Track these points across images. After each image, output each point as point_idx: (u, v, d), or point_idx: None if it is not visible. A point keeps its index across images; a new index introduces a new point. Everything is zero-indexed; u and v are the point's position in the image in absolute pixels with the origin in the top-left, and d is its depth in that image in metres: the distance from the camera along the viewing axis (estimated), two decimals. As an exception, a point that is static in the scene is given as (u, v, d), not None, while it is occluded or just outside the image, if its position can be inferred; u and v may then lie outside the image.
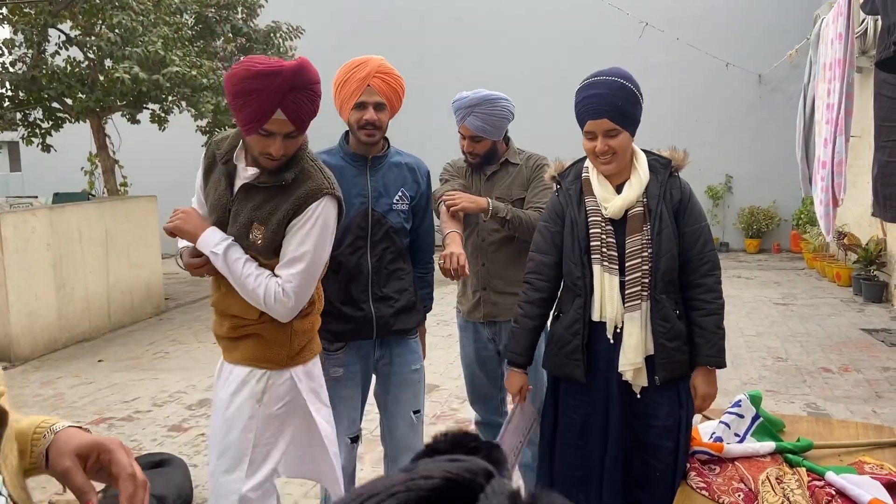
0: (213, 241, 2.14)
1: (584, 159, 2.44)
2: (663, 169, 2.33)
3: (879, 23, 3.00)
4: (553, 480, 2.43)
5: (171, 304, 8.80)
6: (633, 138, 2.31)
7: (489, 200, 2.88)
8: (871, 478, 2.16)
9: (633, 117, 2.26)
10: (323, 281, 2.53)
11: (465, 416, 4.24)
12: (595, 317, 2.30)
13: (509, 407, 3.26)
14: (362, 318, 2.56)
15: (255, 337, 2.20)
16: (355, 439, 2.66)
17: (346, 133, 2.64)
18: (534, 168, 3.05)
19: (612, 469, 2.29)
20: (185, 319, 8.04)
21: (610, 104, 2.20)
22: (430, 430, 4.36)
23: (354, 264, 2.55)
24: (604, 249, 2.28)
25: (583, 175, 2.39)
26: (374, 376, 2.74)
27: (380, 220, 2.56)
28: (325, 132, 3.54)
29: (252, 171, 2.14)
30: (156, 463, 3.62)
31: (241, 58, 9.23)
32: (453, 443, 0.62)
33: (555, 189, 2.48)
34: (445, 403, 4.85)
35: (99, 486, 1.08)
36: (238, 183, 2.17)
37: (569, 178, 2.43)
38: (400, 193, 2.60)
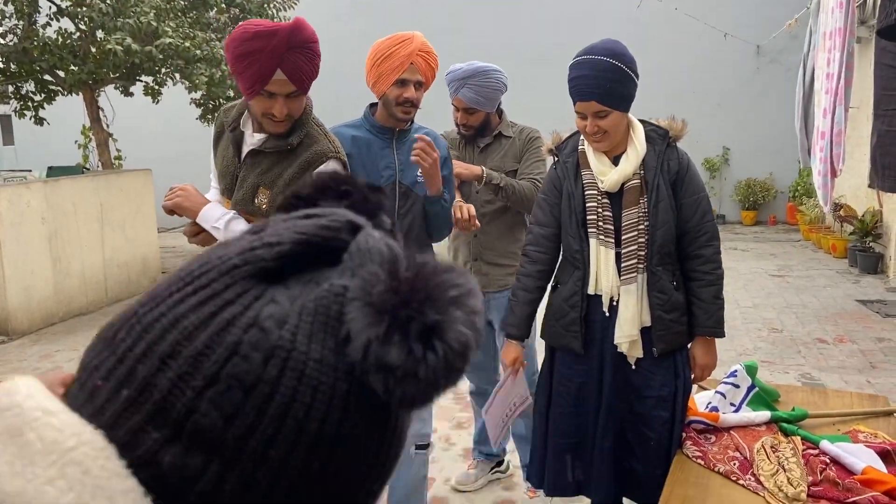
0: (214, 216, 2.15)
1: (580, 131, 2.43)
2: (661, 140, 2.31)
3: (880, -9, 2.98)
4: (548, 448, 2.45)
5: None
6: (628, 113, 2.29)
7: (483, 168, 2.89)
8: (866, 446, 2.18)
9: (624, 96, 2.22)
10: None
11: (462, 388, 4.26)
12: (591, 290, 2.31)
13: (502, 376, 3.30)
14: None
15: None
16: None
17: (371, 106, 2.63)
18: (527, 140, 3.07)
19: (604, 438, 2.32)
20: (182, 293, 8.05)
21: (597, 86, 2.16)
22: (428, 402, 4.40)
23: None
24: (600, 223, 2.28)
25: (579, 148, 2.38)
26: None
27: (406, 192, 2.57)
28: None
29: (259, 137, 2.16)
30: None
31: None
32: (317, 188, 0.55)
33: (553, 161, 2.47)
34: (443, 375, 4.88)
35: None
36: (245, 149, 2.19)
37: (566, 150, 2.42)
38: None
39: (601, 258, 2.28)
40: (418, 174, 2.57)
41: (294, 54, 1.98)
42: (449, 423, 4.12)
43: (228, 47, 2.02)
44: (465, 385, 3.59)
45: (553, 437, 2.43)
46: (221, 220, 2.14)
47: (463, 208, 2.67)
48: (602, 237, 2.28)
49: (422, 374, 0.43)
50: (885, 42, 2.93)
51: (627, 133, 2.30)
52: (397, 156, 2.58)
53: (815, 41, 4.42)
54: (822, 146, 4.06)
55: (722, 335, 2.35)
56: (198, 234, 2.21)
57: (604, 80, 2.17)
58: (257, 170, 2.16)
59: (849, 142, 5.62)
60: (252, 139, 2.18)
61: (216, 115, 2.34)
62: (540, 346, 2.49)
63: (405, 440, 0.51)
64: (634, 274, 2.25)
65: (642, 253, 2.25)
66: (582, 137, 2.38)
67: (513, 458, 3.44)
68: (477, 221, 2.69)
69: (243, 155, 2.20)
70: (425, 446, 2.81)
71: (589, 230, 2.29)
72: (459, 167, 2.90)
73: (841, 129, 3.91)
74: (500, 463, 3.46)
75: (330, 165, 2.15)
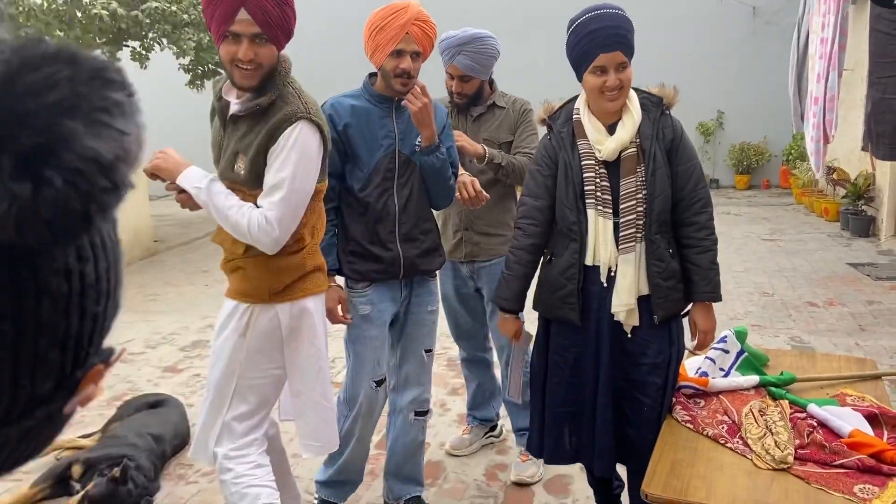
0: (196, 177, 2.14)
1: (573, 100, 2.40)
2: (655, 107, 2.30)
3: (876, -47, 2.94)
4: (545, 418, 2.47)
5: (162, 247, 8.78)
6: None
7: (485, 147, 2.89)
8: (853, 409, 2.21)
9: (634, 48, 2.25)
10: (349, 222, 2.59)
11: (456, 355, 4.30)
12: (588, 261, 2.30)
13: (493, 344, 3.33)
14: (390, 259, 2.57)
15: (240, 271, 2.23)
16: (380, 382, 2.67)
17: (371, 75, 2.61)
18: (520, 112, 3.05)
19: (605, 406, 2.33)
20: (175, 262, 8.04)
21: (621, 37, 2.19)
22: (422, 368, 4.44)
23: (382, 206, 2.55)
24: (598, 194, 2.26)
25: (574, 117, 2.35)
26: None
27: (406, 160, 2.56)
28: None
29: (236, 104, 2.14)
30: (152, 403, 3.67)
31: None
32: None
33: (546, 132, 2.45)
34: (437, 342, 4.91)
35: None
36: (228, 116, 2.18)
37: (560, 119, 2.39)
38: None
39: (599, 229, 2.27)
40: (417, 142, 2.55)
41: None
42: (444, 389, 4.16)
43: None
44: (457, 351, 3.62)
45: (550, 407, 2.44)
46: (203, 180, 2.12)
47: (468, 185, 2.67)
48: (600, 208, 2.26)
49: (46, 214, 0.37)
50: (879, 9, 2.90)
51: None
52: (397, 125, 2.55)
53: (810, 4, 4.37)
54: (815, 112, 4.05)
55: (719, 299, 2.37)
56: (180, 191, 2.19)
57: (625, 31, 2.20)
58: (236, 136, 2.15)
59: (843, 105, 5.60)
60: (234, 106, 2.16)
61: (212, 85, 2.31)
62: (532, 318, 2.49)
63: (91, 283, 0.44)
64: (633, 243, 2.25)
65: (640, 222, 2.24)
66: (576, 106, 2.36)
67: (506, 422, 3.48)
68: (486, 193, 2.70)
69: (227, 121, 2.19)
70: (424, 413, 2.84)
71: (587, 201, 2.28)
72: (463, 140, 2.89)
73: (834, 95, 3.89)
74: (493, 428, 3.50)
75: (299, 126, 2.10)
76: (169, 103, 11.91)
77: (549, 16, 11.75)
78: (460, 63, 2.90)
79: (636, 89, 2.34)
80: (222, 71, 2.36)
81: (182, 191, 2.18)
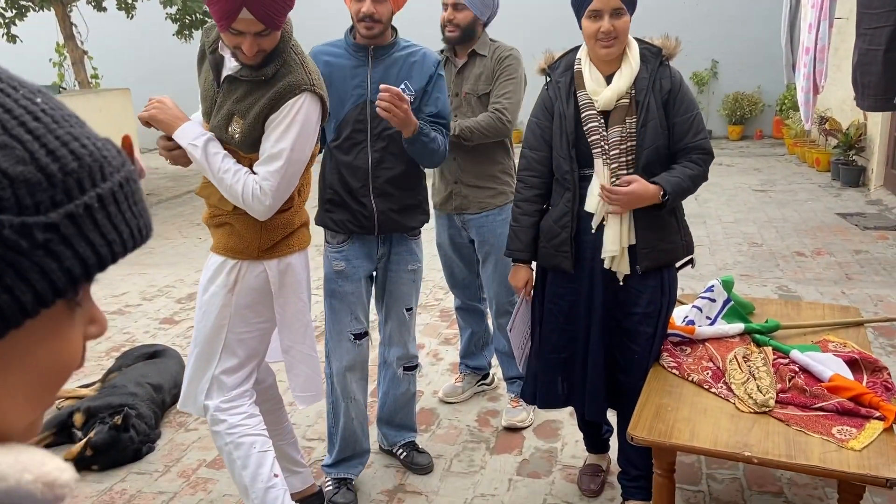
0: (193, 134, 2.12)
1: (575, 50, 2.39)
2: (654, 58, 2.30)
3: None
4: (539, 364, 2.54)
5: (153, 200, 8.75)
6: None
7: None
8: (834, 355, 2.28)
9: (634, 0, 2.24)
10: (327, 172, 2.56)
11: (449, 306, 4.36)
12: (589, 207, 2.33)
13: (485, 294, 3.38)
14: (362, 213, 2.53)
15: (228, 226, 2.24)
16: (360, 335, 2.67)
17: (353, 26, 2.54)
18: (497, 61, 3.00)
19: (597, 353, 2.40)
20: (167, 215, 8.03)
21: None
22: (416, 319, 4.50)
23: (354, 158, 2.50)
24: (602, 143, 2.27)
25: (575, 67, 2.35)
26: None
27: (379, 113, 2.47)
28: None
29: (236, 64, 2.11)
30: (150, 354, 3.73)
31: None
32: None
33: (545, 82, 2.44)
34: (430, 294, 4.97)
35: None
36: (224, 72, 2.14)
37: (559, 69, 2.40)
38: (403, 86, 2.47)
39: (604, 177, 2.29)
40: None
41: None
42: (436, 339, 4.23)
43: None
44: (451, 302, 3.68)
45: (544, 353, 2.50)
46: (200, 138, 2.11)
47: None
48: (604, 157, 2.28)
49: None
50: (867, -41, 2.89)
51: (624, 49, 2.29)
52: (371, 74, 2.48)
53: (804, -49, 4.33)
54: (806, 62, 4.04)
55: (666, 196, 2.21)
56: (173, 149, 2.16)
57: None
58: (233, 97, 2.12)
59: (837, 54, 5.57)
60: (230, 64, 2.12)
61: (201, 32, 2.26)
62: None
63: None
64: None
65: (623, 172, 2.27)
66: (578, 56, 2.36)
67: (497, 371, 3.56)
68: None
69: (222, 79, 2.15)
70: (413, 367, 2.89)
71: (593, 150, 2.29)
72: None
73: (824, 46, 3.88)
74: (485, 376, 3.58)
75: (303, 97, 2.09)
76: (155, 54, 11.73)
77: (543, -38, 11.54)
78: None
79: (638, 40, 2.34)
80: (210, 20, 2.32)
81: (173, 148, 2.16)
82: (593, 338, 2.40)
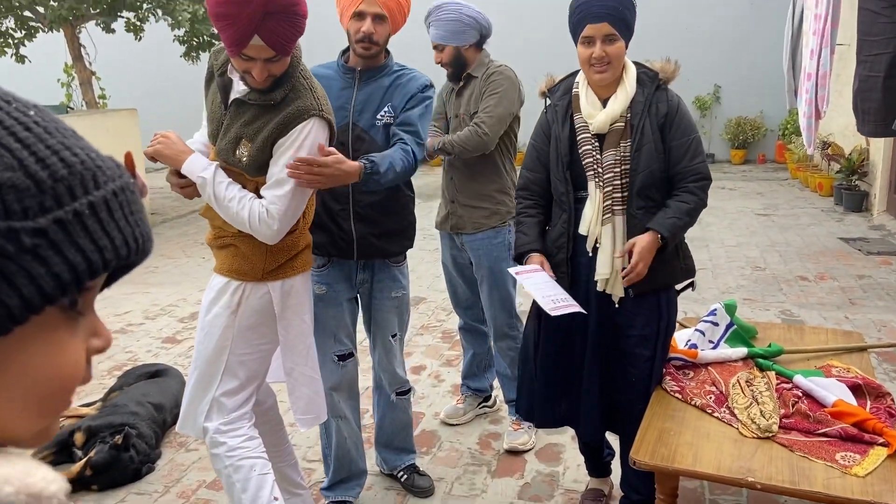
0: (200, 165, 2.12)
1: (574, 74, 2.42)
2: (650, 82, 2.31)
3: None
4: (536, 382, 2.53)
5: (158, 220, 8.79)
6: (626, 50, 2.30)
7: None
8: (838, 380, 2.27)
9: (630, 26, 2.26)
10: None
11: (451, 327, 4.36)
12: (582, 230, 2.34)
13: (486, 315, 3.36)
14: (341, 236, 2.49)
15: (232, 248, 2.23)
16: (343, 357, 2.65)
17: (347, 48, 2.55)
18: (485, 79, 3.05)
19: (592, 374, 2.39)
20: (172, 234, 8.06)
21: (611, 8, 2.20)
22: (418, 341, 4.50)
23: None
24: (595, 166, 2.29)
25: (573, 91, 2.38)
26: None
27: (361, 135, 2.44)
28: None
29: (244, 87, 2.11)
30: (152, 373, 3.72)
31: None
32: None
33: (544, 105, 2.47)
34: (432, 315, 4.97)
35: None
36: (232, 95, 2.15)
37: (558, 93, 2.43)
38: (386, 108, 2.46)
39: (596, 200, 2.30)
40: (378, 117, 2.44)
41: (273, 20, 1.90)
42: (438, 360, 4.22)
43: (208, 3, 1.95)
44: (453, 323, 3.67)
45: (542, 372, 2.50)
46: (207, 170, 2.11)
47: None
48: (597, 179, 2.30)
49: None
50: (867, -13, 2.92)
51: (621, 74, 2.31)
52: (356, 96, 2.46)
53: (805, -21, 4.38)
54: (808, 88, 4.07)
55: (666, 240, 2.23)
56: (183, 186, 2.18)
57: (617, 4, 2.20)
58: (241, 120, 2.12)
59: (838, 80, 5.61)
60: (238, 86, 2.13)
61: (209, 55, 2.27)
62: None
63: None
64: (610, 215, 2.29)
65: (618, 195, 2.28)
66: (577, 80, 2.38)
67: (499, 393, 3.54)
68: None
69: (229, 102, 2.15)
70: (406, 392, 2.87)
71: (587, 173, 2.31)
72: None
73: (826, 72, 3.91)
74: (487, 398, 3.57)
75: (311, 123, 2.10)
76: (163, 74, 11.83)
77: (547, -12, 11.66)
78: (432, 34, 3.02)
79: (637, 63, 2.36)
80: (217, 42, 2.35)
81: (181, 176, 2.17)
82: (588, 359, 2.40)
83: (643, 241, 2.21)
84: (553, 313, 2.20)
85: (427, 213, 4.73)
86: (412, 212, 2.66)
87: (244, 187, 2.15)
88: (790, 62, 4.50)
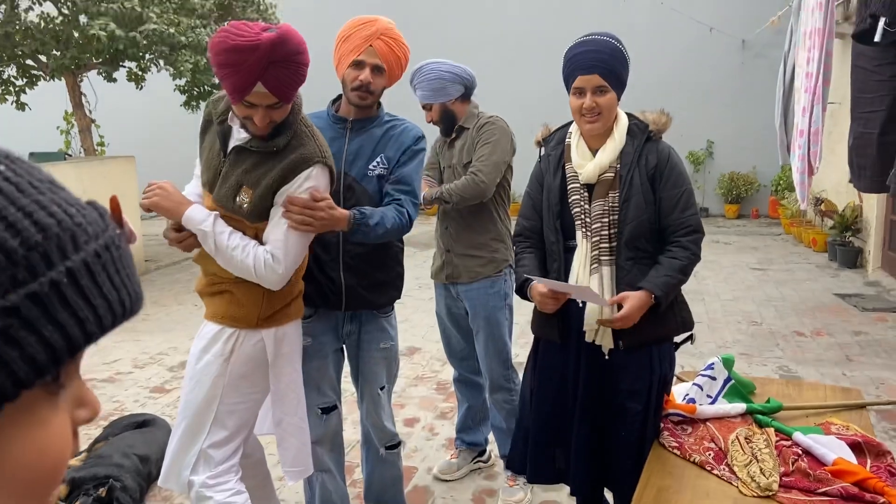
0: (199, 217, 2.10)
1: (569, 124, 2.44)
2: (641, 133, 2.32)
3: (860, -8, 3.02)
4: (530, 436, 2.48)
5: (152, 266, 8.76)
6: (619, 102, 2.32)
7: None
8: (837, 438, 2.23)
9: (621, 79, 2.28)
10: None
11: (446, 378, 4.30)
12: (571, 280, 2.32)
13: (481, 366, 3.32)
14: (329, 287, 2.46)
15: (227, 294, 2.20)
16: (327, 410, 2.59)
17: (338, 96, 2.55)
18: (477, 130, 3.09)
19: (580, 428, 2.35)
20: (165, 282, 8.02)
21: (602, 61, 2.22)
22: (412, 392, 4.43)
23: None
24: (583, 216, 2.30)
25: (566, 141, 2.40)
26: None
27: (352, 185, 2.42)
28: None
29: (245, 135, 2.11)
30: (139, 423, 3.65)
31: (225, 23, 9.06)
32: None
33: (538, 154, 2.49)
34: (427, 365, 4.91)
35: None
36: (231, 144, 2.14)
37: (552, 143, 2.45)
38: (378, 159, 2.45)
39: (583, 249, 2.30)
40: (371, 167, 2.43)
41: (276, 68, 1.92)
42: (432, 413, 4.15)
43: (210, 51, 1.96)
44: (447, 374, 3.63)
45: (534, 425, 2.46)
46: (207, 221, 2.09)
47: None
48: (584, 230, 2.30)
49: None
50: (861, 46, 2.98)
51: (613, 125, 2.32)
52: (347, 146, 2.45)
53: (796, 39, 4.47)
54: (801, 144, 4.12)
55: (659, 299, 2.21)
56: (182, 240, 2.15)
57: (608, 57, 2.23)
58: (241, 167, 2.11)
59: (830, 137, 5.69)
60: (239, 135, 2.13)
61: (206, 104, 2.28)
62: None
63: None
64: (597, 265, 2.28)
65: (605, 245, 2.27)
66: (570, 130, 2.40)
67: (494, 448, 3.48)
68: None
69: (229, 149, 2.15)
70: (395, 446, 2.80)
71: (576, 222, 2.31)
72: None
73: (818, 129, 3.97)
74: (482, 452, 3.50)
75: (314, 171, 2.11)
76: (162, 123, 11.95)
77: (541, 45, 11.91)
78: (419, 96, 3.08)
79: (630, 115, 2.37)
80: (217, 91, 2.37)
81: (178, 229, 2.15)
82: (578, 412, 2.36)
83: (635, 297, 2.19)
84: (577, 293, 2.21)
85: (422, 263, 4.72)
86: (401, 262, 2.63)
87: (244, 234, 2.13)
88: (782, 118, 4.56)
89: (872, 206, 7.49)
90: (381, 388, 2.67)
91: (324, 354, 2.56)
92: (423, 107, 3.10)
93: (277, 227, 2.10)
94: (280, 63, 1.93)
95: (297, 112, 2.14)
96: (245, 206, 2.10)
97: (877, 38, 2.73)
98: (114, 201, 0.62)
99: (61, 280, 0.44)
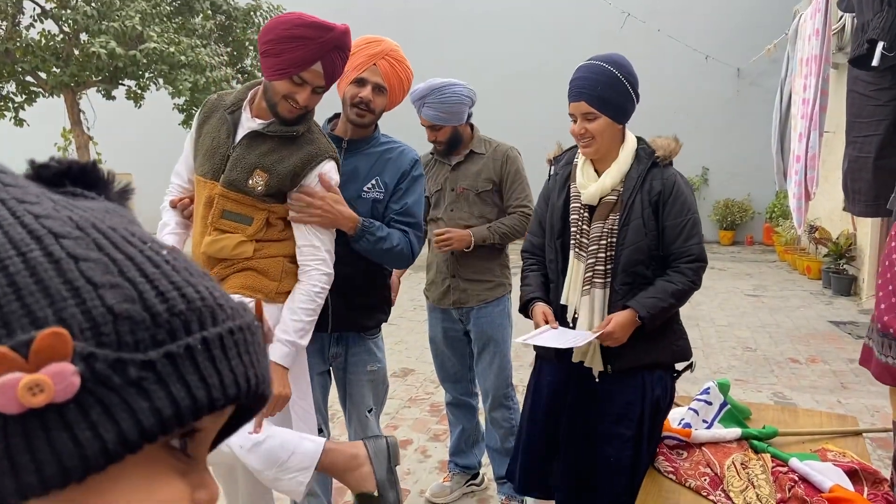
0: (283, 351, 2.15)
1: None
2: (646, 158, 2.30)
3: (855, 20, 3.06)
4: (527, 451, 2.47)
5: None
6: (621, 125, 2.29)
7: (471, 233, 2.99)
8: (834, 465, 2.22)
9: (616, 104, 2.24)
10: None
11: (440, 400, 4.27)
12: (562, 300, 2.32)
13: (478, 389, 3.31)
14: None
15: (248, 271, 2.23)
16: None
17: (334, 115, 2.54)
18: (503, 161, 3.07)
19: (567, 447, 2.34)
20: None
21: (588, 88, 2.21)
22: (405, 414, 4.40)
23: None
24: (577, 236, 2.30)
25: (574, 161, 2.40)
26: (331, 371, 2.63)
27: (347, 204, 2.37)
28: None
29: (259, 122, 2.17)
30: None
31: (223, 43, 9.13)
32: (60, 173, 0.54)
33: (548, 172, 2.51)
34: (420, 387, 4.88)
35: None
36: (241, 132, 2.18)
37: (561, 162, 2.46)
38: (374, 181, 2.41)
39: (573, 270, 2.30)
40: (365, 189, 2.39)
41: (335, 54, 2.07)
42: (425, 434, 4.12)
43: (274, 27, 2.05)
44: (441, 396, 3.60)
45: (530, 443, 2.46)
46: (289, 336, 2.17)
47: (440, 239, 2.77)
48: (577, 249, 2.30)
49: None
50: (857, 71, 3.01)
51: (619, 148, 2.31)
52: (342, 166, 2.38)
53: (792, 66, 4.51)
54: (797, 170, 4.14)
55: (645, 320, 2.17)
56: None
57: (595, 83, 2.21)
58: (256, 151, 2.15)
59: (824, 165, 5.72)
60: (251, 123, 2.18)
61: (204, 102, 2.32)
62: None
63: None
64: (590, 287, 2.26)
65: (600, 268, 2.26)
66: (578, 151, 2.41)
67: (487, 471, 3.45)
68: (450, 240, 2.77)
69: (238, 137, 2.18)
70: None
71: (571, 241, 2.32)
72: (451, 234, 2.98)
73: (815, 154, 3.99)
74: (475, 475, 3.46)
75: (327, 165, 2.19)
76: (160, 141, 11.98)
77: (539, 70, 12.02)
78: (426, 114, 2.97)
79: (639, 139, 2.36)
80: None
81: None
82: (567, 433, 2.35)
83: (619, 315, 2.19)
84: (578, 345, 2.21)
85: (417, 285, 4.71)
86: (388, 286, 2.60)
87: (252, 216, 2.17)
88: (779, 145, 4.59)
89: (866, 233, 7.52)
90: (369, 411, 2.61)
91: (309, 377, 2.49)
92: (430, 126, 3.02)
93: (304, 235, 2.21)
94: (340, 50, 2.08)
95: (314, 111, 2.23)
96: (259, 187, 2.15)
97: (874, 63, 2.75)
98: (258, 305, 0.66)
99: (195, 346, 0.47)
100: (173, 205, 2.35)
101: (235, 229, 2.17)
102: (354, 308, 2.45)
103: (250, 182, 2.14)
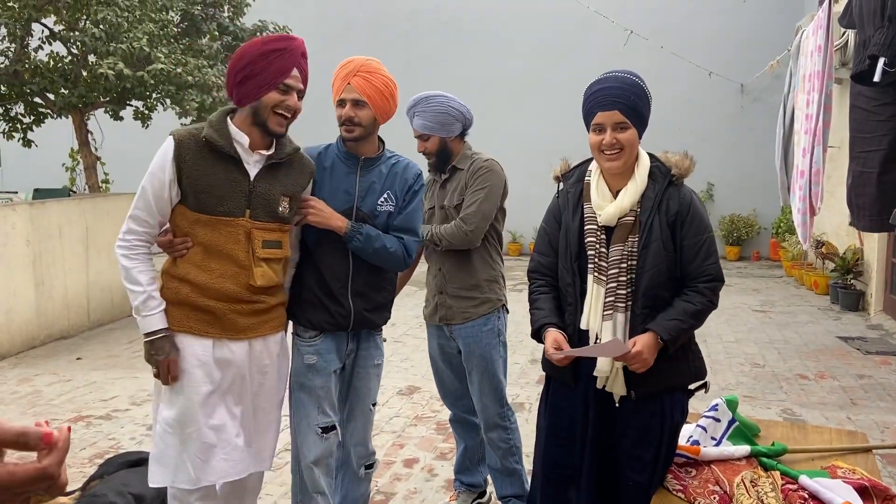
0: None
1: (589, 161, 2.39)
2: (662, 177, 2.26)
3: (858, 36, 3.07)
4: (541, 474, 2.43)
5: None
6: (640, 141, 2.27)
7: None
8: (844, 482, 2.20)
9: (642, 116, 2.23)
10: (304, 272, 2.64)
11: (446, 418, 4.25)
12: (582, 324, 2.25)
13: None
14: (339, 312, 2.61)
15: (281, 306, 2.60)
16: (327, 429, 2.63)
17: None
18: (472, 173, 3.10)
19: (588, 472, 2.29)
20: (165, 318, 7.99)
21: (622, 97, 2.18)
22: (411, 432, 4.38)
23: (338, 261, 2.60)
24: (596, 259, 2.23)
25: (586, 179, 2.34)
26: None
27: (364, 219, 2.60)
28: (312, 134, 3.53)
29: (265, 153, 2.40)
30: (134, 462, 3.59)
31: (228, 54, 9.18)
32: None
33: (556, 190, 2.44)
34: (426, 405, 4.86)
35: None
36: (254, 166, 2.38)
37: (571, 179, 2.39)
38: (386, 195, 2.63)
39: (593, 294, 2.23)
40: (380, 203, 2.62)
41: (303, 60, 2.37)
42: (432, 453, 4.10)
43: (245, 53, 2.29)
44: (446, 415, 3.59)
45: (545, 466, 2.40)
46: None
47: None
48: (596, 273, 2.23)
49: None
50: (859, 86, 3.02)
51: (634, 165, 2.27)
52: (360, 182, 2.62)
53: (795, 82, 4.53)
54: (802, 185, 4.14)
55: (665, 342, 2.14)
56: (173, 245, 2.43)
57: (628, 93, 2.19)
58: (278, 179, 2.41)
59: (830, 181, 5.72)
60: (249, 156, 2.36)
61: (173, 143, 2.35)
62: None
63: None
64: (612, 312, 2.21)
65: (622, 291, 2.20)
66: (590, 168, 2.35)
67: (493, 489, 3.42)
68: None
69: (253, 173, 2.37)
70: (372, 465, 2.84)
71: (589, 265, 2.25)
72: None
73: (819, 169, 3.99)
74: (481, 494, 3.44)
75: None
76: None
77: (543, 87, 12.07)
78: (415, 124, 3.08)
79: (652, 156, 2.32)
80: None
81: (163, 234, 2.47)
82: (587, 458, 2.28)
83: (642, 338, 2.14)
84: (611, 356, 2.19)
85: (421, 302, 4.73)
86: (395, 287, 2.84)
87: (281, 240, 2.45)
88: (783, 160, 4.60)
89: (873, 248, 7.50)
90: (373, 405, 2.82)
91: (328, 372, 2.65)
92: (419, 136, 3.08)
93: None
94: (305, 58, 2.37)
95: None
96: (288, 212, 2.44)
97: (876, 78, 2.75)
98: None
99: None
100: (169, 242, 2.40)
101: (273, 255, 2.42)
102: (371, 309, 2.69)
103: (280, 210, 2.41)
